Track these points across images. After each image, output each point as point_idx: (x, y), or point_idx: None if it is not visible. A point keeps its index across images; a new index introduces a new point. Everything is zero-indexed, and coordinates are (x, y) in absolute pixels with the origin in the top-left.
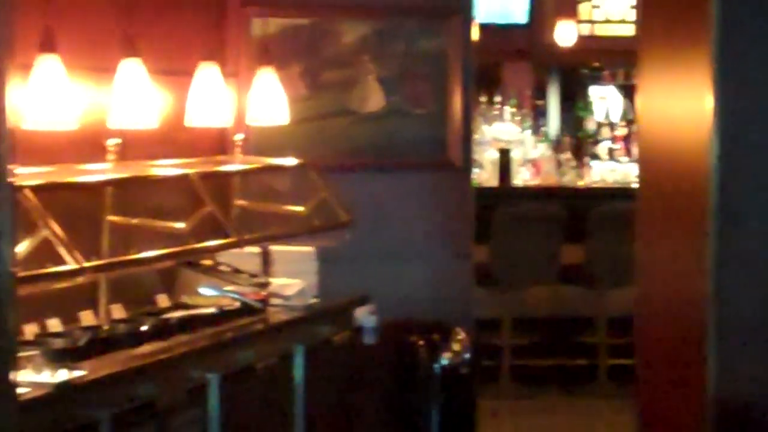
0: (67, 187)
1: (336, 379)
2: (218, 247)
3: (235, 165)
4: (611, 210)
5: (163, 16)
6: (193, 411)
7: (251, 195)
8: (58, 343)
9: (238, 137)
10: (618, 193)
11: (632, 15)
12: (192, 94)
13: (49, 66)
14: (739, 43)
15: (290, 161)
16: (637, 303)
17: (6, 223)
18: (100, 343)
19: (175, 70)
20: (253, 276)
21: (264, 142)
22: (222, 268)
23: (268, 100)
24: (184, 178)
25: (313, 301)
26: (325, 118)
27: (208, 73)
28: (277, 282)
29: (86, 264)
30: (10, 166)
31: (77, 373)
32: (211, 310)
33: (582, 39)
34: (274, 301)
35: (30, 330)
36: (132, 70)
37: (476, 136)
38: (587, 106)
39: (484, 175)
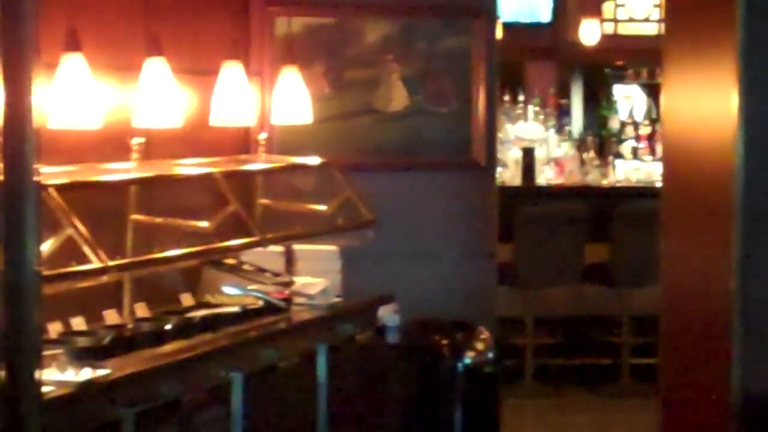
0: (92, 186)
1: (359, 379)
2: (242, 246)
3: (258, 164)
4: (635, 209)
5: (186, 16)
6: (217, 409)
7: (275, 194)
8: (83, 342)
9: (262, 136)
10: (642, 192)
11: (656, 14)
12: (216, 93)
13: (73, 65)
14: (764, 41)
15: (314, 160)
16: (662, 302)
17: (31, 222)
18: (124, 342)
19: (199, 70)
20: (277, 275)
21: (288, 141)
22: (245, 267)
23: (291, 99)
24: (208, 177)
25: (337, 300)
26: (348, 117)
27: (232, 72)
28: (300, 281)
29: (110, 263)
30: (35, 166)
31: (101, 372)
32: (235, 309)
33: (606, 38)
34: (298, 300)
35: (54, 329)
36: (156, 69)
37: (500, 135)
38: (611, 105)
39: (508, 174)
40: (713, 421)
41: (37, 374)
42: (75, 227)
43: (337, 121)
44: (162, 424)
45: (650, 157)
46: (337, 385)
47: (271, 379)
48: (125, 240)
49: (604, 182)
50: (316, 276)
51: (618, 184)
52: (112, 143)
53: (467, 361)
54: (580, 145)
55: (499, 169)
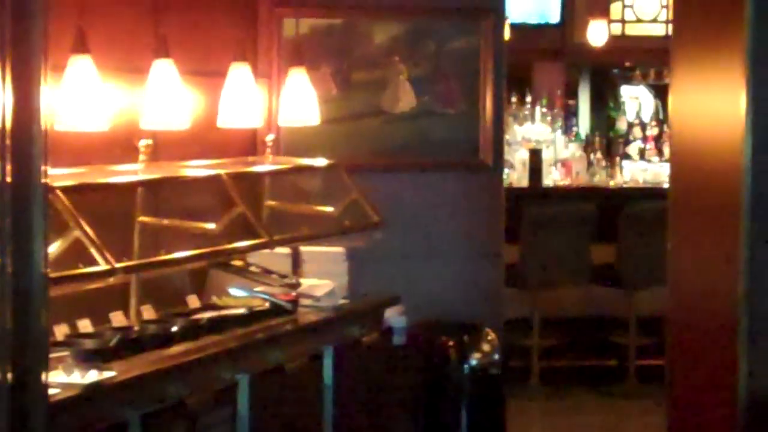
0: (99, 188)
1: (365, 380)
2: (248, 247)
3: (265, 165)
4: (642, 210)
5: (194, 17)
6: (223, 411)
7: (282, 195)
8: (89, 344)
9: (269, 138)
10: (649, 194)
11: (664, 14)
12: (224, 94)
13: (81, 67)
14: None
15: (321, 162)
16: (668, 303)
17: (38, 224)
18: (130, 344)
19: (206, 71)
20: (283, 276)
21: (295, 142)
22: (252, 268)
23: (299, 100)
24: (215, 178)
25: (343, 301)
26: (356, 119)
27: (239, 74)
28: (307, 282)
29: (117, 265)
30: (43, 167)
31: (108, 374)
32: (241, 310)
33: (613, 38)
34: (304, 301)
35: (61, 331)
36: (164, 70)
37: (507, 137)
38: (618, 106)
39: (515, 176)
40: (720, 423)
41: (43, 376)
42: (82, 229)
43: (345, 123)
44: (168, 426)
45: (657, 158)
46: (343, 386)
47: (278, 381)
48: (132, 242)
49: (611, 183)
50: (322, 277)
51: (625, 185)
52: (120, 145)
53: (473, 362)
54: (588, 146)
55: (506, 171)
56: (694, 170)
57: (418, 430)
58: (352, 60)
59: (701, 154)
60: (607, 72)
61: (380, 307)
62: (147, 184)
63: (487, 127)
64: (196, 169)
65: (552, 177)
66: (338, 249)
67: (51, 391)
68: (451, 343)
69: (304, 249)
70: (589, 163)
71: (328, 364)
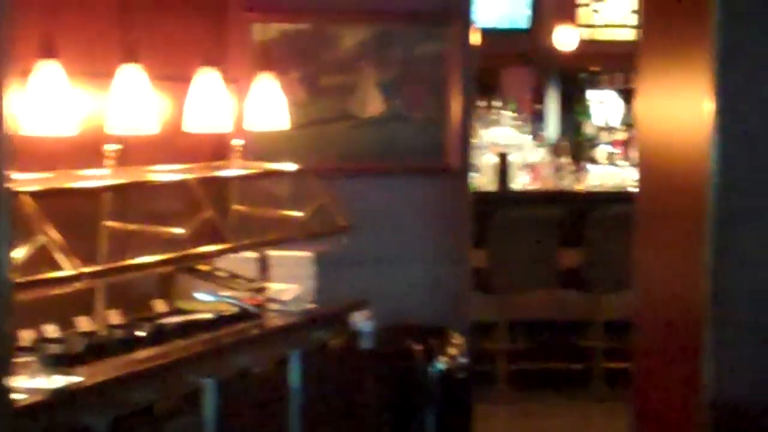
0: (65, 193)
1: (332, 384)
2: (216, 252)
3: (233, 170)
4: (609, 214)
5: (163, 21)
6: (190, 416)
7: (250, 200)
8: (55, 349)
9: (237, 142)
10: (616, 198)
11: (633, 19)
12: (190, 99)
13: (48, 71)
14: (739, 46)
15: (289, 166)
16: (635, 306)
17: (4, 228)
18: (96, 349)
19: (176, 76)
20: (250, 281)
21: (264, 147)
22: (219, 273)
23: (267, 105)
24: (183, 183)
25: (310, 306)
26: (324, 123)
27: (207, 79)
28: (274, 287)
29: (84, 270)
30: (8, 172)
31: (74, 379)
32: (208, 315)
33: (582, 43)
34: (271, 306)
35: (27, 336)
36: (132, 75)
37: (475, 141)
38: (586, 111)
39: (484, 180)
40: (685, 426)
41: (7, 381)
42: (48, 234)
43: (313, 127)
44: None
45: (626, 163)
46: (310, 390)
47: (244, 386)
48: (99, 247)
49: (579, 187)
50: (290, 282)
51: (592, 190)
52: (88, 150)
53: (440, 366)
54: (556, 151)
55: (475, 175)
56: (661, 175)
57: None
58: (320, 65)
59: (667, 159)
60: (575, 76)
61: (347, 311)
62: (114, 189)
63: (455, 131)
64: (163, 173)
65: (520, 181)
66: (306, 253)
67: (16, 397)
68: (417, 347)
69: (271, 253)
70: (557, 168)
71: (295, 368)
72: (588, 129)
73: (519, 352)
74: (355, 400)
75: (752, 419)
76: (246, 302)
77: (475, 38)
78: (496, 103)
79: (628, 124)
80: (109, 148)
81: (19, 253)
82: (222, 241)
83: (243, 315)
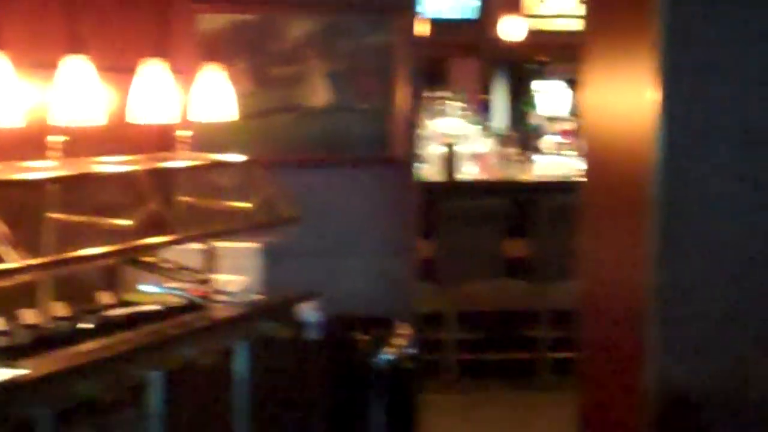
0: (10, 185)
1: (279, 375)
2: (162, 243)
3: (180, 161)
4: (554, 204)
5: (109, 12)
6: (135, 409)
7: (197, 191)
8: (0, 342)
9: (184, 133)
10: (562, 188)
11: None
12: (134, 90)
13: None
14: (682, 35)
15: (236, 157)
16: (580, 296)
17: None
18: (41, 341)
19: (122, 67)
20: (197, 272)
21: (210, 138)
22: (165, 264)
23: (213, 96)
24: (129, 174)
25: (257, 297)
26: (271, 114)
27: (153, 69)
28: (221, 278)
29: (29, 262)
30: None
31: (19, 372)
32: (153, 307)
33: (530, 34)
34: (218, 297)
35: None
36: (76, 66)
37: (422, 131)
38: (531, 101)
39: (431, 170)
40: (629, 414)
41: None
42: None
43: (260, 118)
44: (79, 424)
45: (574, 153)
46: (257, 382)
47: (191, 377)
48: (44, 239)
49: (525, 178)
50: (238, 273)
51: (539, 180)
52: (33, 141)
53: (388, 356)
54: (503, 141)
55: (422, 165)
56: (605, 165)
57: (332, 425)
58: (267, 55)
59: (613, 149)
60: (522, 67)
61: (294, 302)
62: (59, 181)
63: (401, 121)
64: (109, 165)
65: (468, 171)
66: (253, 244)
67: None
68: (364, 337)
69: (219, 245)
70: (504, 158)
71: (241, 359)
72: (534, 119)
73: (466, 342)
74: (301, 390)
75: (694, 407)
76: (192, 294)
77: (422, 29)
78: (444, 94)
79: (576, 114)
80: (55, 139)
81: None
82: (168, 232)
83: (189, 306)
